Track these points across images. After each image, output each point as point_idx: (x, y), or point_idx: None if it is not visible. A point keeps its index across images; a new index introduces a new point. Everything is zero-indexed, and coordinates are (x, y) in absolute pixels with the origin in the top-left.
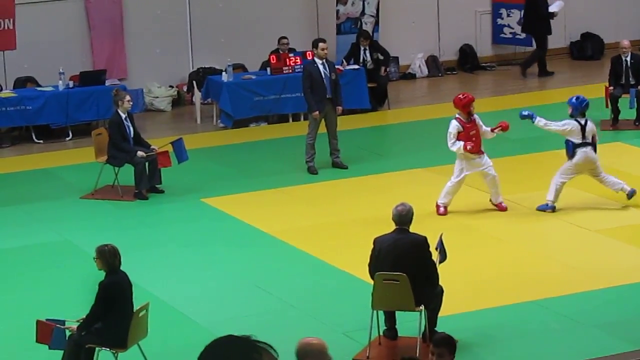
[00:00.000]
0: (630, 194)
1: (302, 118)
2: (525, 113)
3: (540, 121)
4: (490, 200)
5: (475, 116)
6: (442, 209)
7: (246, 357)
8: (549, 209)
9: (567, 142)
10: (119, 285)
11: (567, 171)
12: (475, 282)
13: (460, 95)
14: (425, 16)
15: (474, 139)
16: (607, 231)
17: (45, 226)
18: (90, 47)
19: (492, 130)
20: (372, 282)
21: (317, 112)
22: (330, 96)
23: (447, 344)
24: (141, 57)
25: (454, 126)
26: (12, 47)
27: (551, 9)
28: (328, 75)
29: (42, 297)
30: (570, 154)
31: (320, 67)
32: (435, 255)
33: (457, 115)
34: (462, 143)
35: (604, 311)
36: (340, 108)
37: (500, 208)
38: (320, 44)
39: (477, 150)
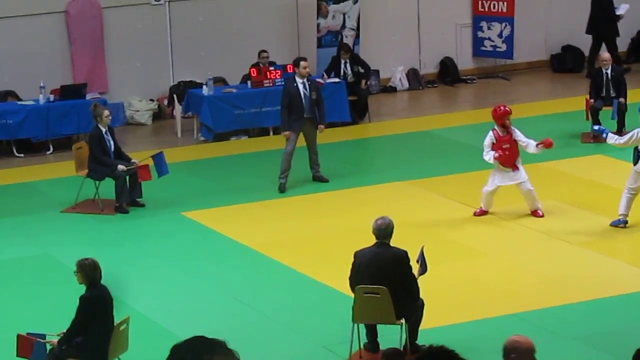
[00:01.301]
0: None
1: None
2: (596, 128)
3: (611, 138)
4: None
5: (514, 129)
6: (478, 210)
7: (198, 357)
8: (621, 223)
9: (635, 150)
10: (100, 299)
11: (632, 181)
12: (456, 294)
13: (497, 107)
14: (406, 29)
15: (506, 152)
16: (587, 243)
17: (26, 240)
18: (70, 61)
19: (537, 146)
20: (352, 295)
21: (288, 132)
22: (308, 115)
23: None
24: (122, 71)
25: (488, 137)
26: None
27: (618, 11)
28: (308, 94)
29: (23, 311)
30: (635, 161)
31: (300, 86)
32: (415, 268)
33: (494, 127)
34: (493, 153)
35: (584, 323)
36: (322, 127)
37: (535, 215)
38: (302, 63)
39: (509, 164)
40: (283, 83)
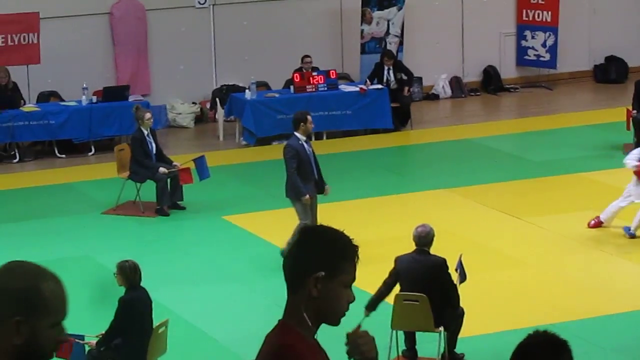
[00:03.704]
0: None
1: (324, 137)
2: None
3: None
4: None
5: None
6: (593, 222)
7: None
8: None
9: None
10: (139, 301)
11: None
12: (496, 303)
13: None
14: (450, 37)
15: None
16: (628, 255)
17: (66, 241)
18: (114, 63)
19: None
20: (392, 302)
21: (307, 197)
22: (316, 177)
23: None
24: (165, 74)
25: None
26: (37, 61)
27: None
28: (313, 154)
29: None
30: None
31: (305, 145)
32: (455, 277)
33: None
34: (636, 163)
35: (624, 335)
36: (328, 187)
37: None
38: (309, 117)
39: None
40: (288, 147)
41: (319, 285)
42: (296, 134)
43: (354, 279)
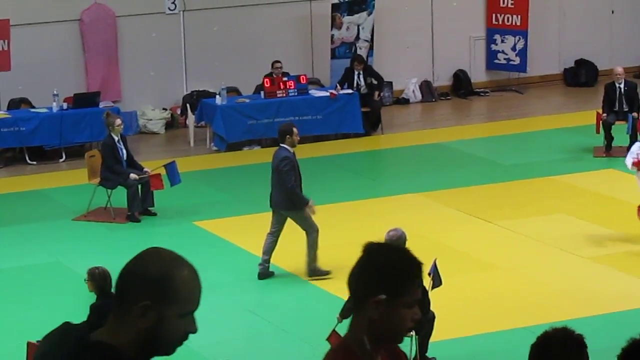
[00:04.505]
0: None
1: None
2: None
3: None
4: None
5: None
6: None
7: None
8: None
9: None
10: (110, 307)
11: None
12: (467, 307)
13: None
14: (420, 41)
15: None
16: (599, 258)
17: (37, 247)
18: (84, 69)
19: None
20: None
21: (312, 200)
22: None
23: None
24: (135, 80)
25: (637, 146)
26: (7, 68)
27: None
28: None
29: (34, 318)
30: None
31: (294, 156)
32: (428, 281)
33: None
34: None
35: (596, 338)
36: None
37: None
38: (295, 129)
39: None
40: (285, 159)
41: (380, 308)
42: (283, 145)
43: (417, 298)
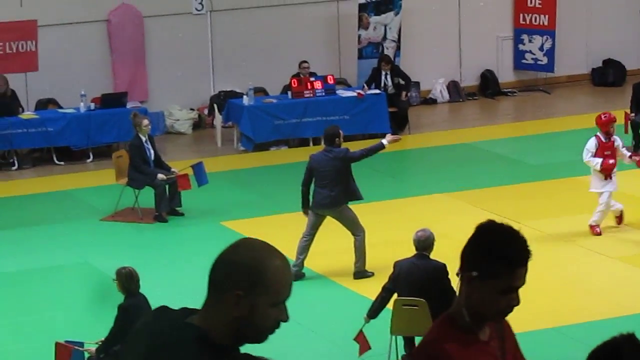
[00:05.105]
0: None
1: (322, 142)
2: None
3: None
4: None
5: (616, 138)
6: (597, 229)
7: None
8: None
9: None
10: (137, 308)
11: None
12: None
13: (602, 115)
14: (447, 41)
15: (608, 160)
16: (628, 258)
17: (65, 248)
18: (111, 70)
19: (630, 157)
20: (391, 307)
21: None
22: None
23: None
24: (162, 80)
25: (591, 143)
26: (35, 68)
27: None
28: None
29: (61, 318)
30: None
31: None
32: (455, 281)
33: (597, 134)
34: (600, 160)
35: None
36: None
37: (593, 231)
38: (341, 132)
39: (609, 172)
40: (347, 154)
41: (472, 283)
42: (329, 147)
43: (513, 286)
